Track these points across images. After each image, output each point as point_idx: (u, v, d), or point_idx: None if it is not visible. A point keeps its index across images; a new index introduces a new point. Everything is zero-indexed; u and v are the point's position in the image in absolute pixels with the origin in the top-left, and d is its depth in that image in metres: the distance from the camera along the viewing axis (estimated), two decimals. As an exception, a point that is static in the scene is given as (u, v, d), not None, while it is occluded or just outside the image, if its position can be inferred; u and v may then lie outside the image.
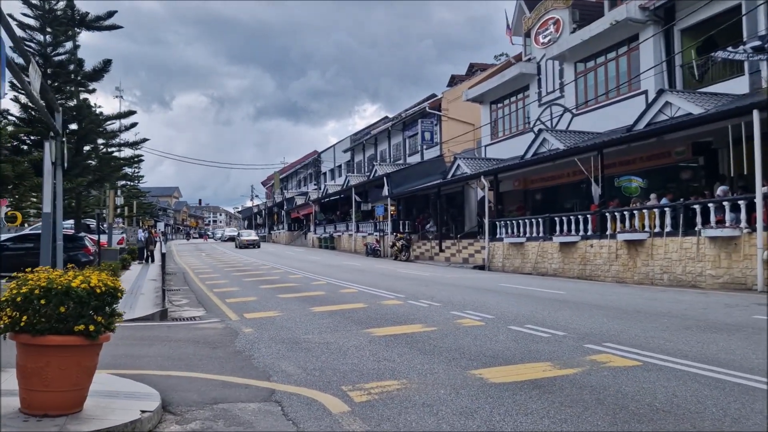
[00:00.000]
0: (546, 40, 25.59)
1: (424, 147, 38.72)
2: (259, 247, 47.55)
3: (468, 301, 12.06)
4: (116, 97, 50.51)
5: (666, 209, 15.99)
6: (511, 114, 29.34)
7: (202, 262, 30.89)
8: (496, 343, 7.70)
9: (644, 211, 16.78)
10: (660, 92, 17.77)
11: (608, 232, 17.91)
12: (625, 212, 17.38)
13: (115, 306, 4.49)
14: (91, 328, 4.19)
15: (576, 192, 23.97)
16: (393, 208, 35.74)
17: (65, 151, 9.88)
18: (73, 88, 19.57)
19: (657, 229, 16.17)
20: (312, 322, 9.97)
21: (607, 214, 18.13)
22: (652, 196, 17.73)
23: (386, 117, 55.37)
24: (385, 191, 35.84)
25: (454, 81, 41.74)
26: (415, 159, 40.11)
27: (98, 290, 4.26)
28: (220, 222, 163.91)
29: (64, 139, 9.94)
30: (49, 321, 4.15)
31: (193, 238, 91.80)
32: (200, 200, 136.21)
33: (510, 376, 5.96)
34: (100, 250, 18.36)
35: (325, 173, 63.35)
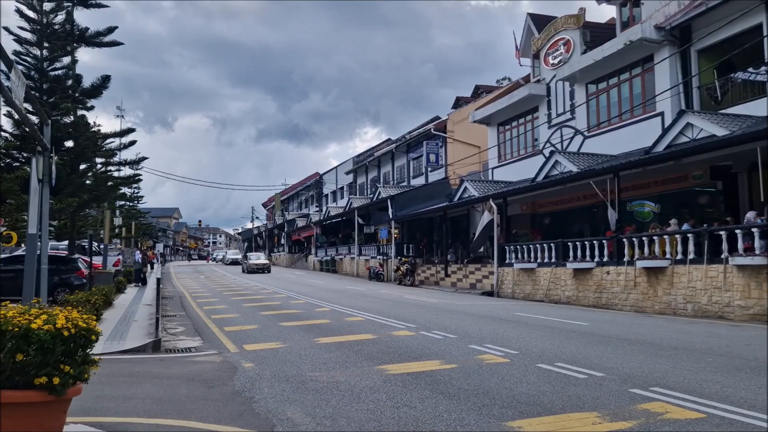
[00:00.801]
0: (556, 61, 25.03)
1: (429, 169, 38.03)
2: (269, 271, 43.56)
3: (486, 333, 11.18)
4: (117, 116, 50.11)
5: (689, 235, 15.17)
6: (520, 136, 28.67)
7: (200, 285, 29.98)
8: (527, 385, 6.84)
9: (665, 237, 15.97)
10: (681, 113, 17.09)
11: (626, 259, 17.06)
12: (644, 238, 16.54)
13: (88, 351, 3.66)
14: (56, 380, 3.35)
15: (586, 216, 23.19)
16: (397, 231, 34.90)
17: (53, 167, 9.11)
18: (69, 104, 18.89)
19: (679, 256, 15.34)
20: (318, 356, 9.10)
21: (624, 239, 17.31)
22: (673, 221, 16.92)
23: (389, 139, 54.82)
24: (389, 214, 35.06)
25: (459, 103, 41.21)
26: (419, 181, 39.39)
27: (66, 333, 3.43)
28: (220, 243, 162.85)
29: (52, 154, 9.17)
30: (4, 372, 3.32)
31: (193, 259, 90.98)
32: (200, 221, 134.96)
33: (555, 431, 5.09)
34: (92, 273, 17.48)
35: (327, 195, 62.59)
